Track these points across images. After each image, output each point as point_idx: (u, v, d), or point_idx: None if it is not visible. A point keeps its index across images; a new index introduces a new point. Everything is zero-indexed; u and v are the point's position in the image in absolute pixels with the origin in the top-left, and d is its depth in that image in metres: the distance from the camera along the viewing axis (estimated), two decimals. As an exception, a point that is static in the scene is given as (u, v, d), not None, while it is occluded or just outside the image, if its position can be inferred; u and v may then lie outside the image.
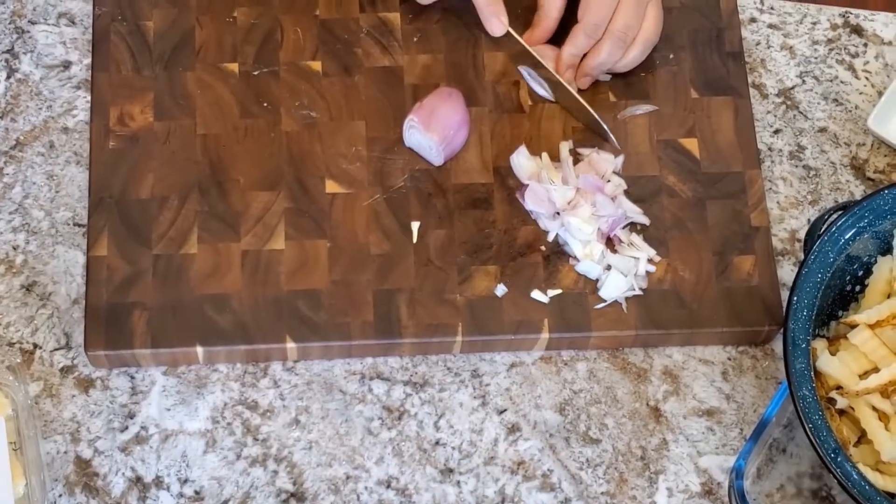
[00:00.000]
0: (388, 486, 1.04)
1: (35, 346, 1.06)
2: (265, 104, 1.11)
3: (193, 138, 1.10)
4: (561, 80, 1.11)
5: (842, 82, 1.19)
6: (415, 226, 1.08)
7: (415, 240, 1.08)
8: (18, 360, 1.04)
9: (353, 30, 1.14)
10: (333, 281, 1.06)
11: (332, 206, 1.08)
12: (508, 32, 1.11)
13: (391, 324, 1.05)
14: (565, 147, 1.11)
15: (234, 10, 1.14)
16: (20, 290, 1.07)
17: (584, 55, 1.12)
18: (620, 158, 1.11)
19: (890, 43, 1.20)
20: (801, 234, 1.13)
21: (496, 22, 1.10)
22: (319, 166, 1.09)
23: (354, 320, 1.05)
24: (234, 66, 1.12)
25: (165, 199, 1.08)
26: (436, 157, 1.09)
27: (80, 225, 1.09)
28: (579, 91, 1.12)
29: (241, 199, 1.08)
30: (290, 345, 1.04)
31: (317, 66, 1.12)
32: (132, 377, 1.05)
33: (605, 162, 1.10)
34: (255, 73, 1.12)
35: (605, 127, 1.11)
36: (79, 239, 1.09)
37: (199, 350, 1.04)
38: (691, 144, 1.13)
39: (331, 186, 1.09)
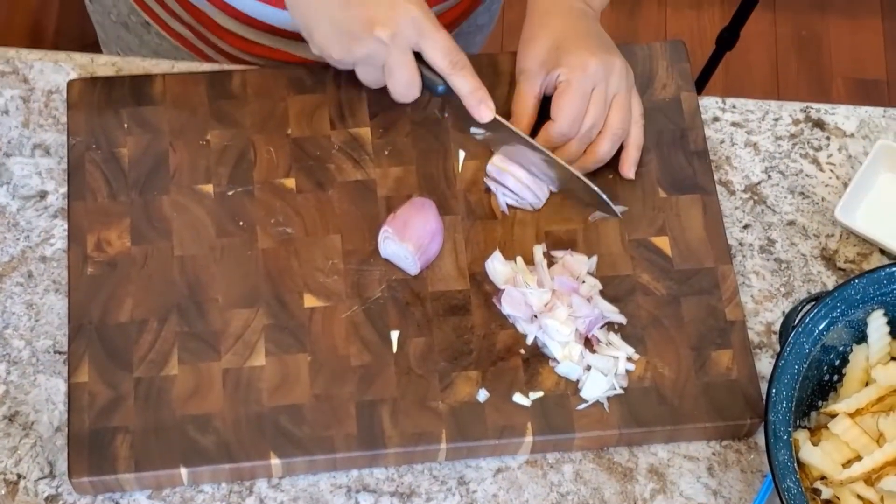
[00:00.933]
0: None
1: (19, 476, 1.05)
2: (241, 223, 1.12)
3: (171, 260, 1.10)
4: (550, 153, 1.11)
5: (807, 175, 1.20)
6: (394, 335, 1.08)
7: (395, 349, 1.08)
8: (3, 492, 1.03)
9: (324, 146, 1.15)
10: (315, 395, 1.05)
11: (311, 320, 1.08)
12: (496, 119, 1.11)
13: (375, 435, 1.05)
14: (539, 250, 1.12)
15: (206, 133, 1.15)
16: (2, 420, 1.06)
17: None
18: (594, 260, 1.12)
19: (852, 135, 1.22)
20: (777, 327, 1.13)
21: (484, 108, 1.10)
22: (297, 281, 1.10)
23: (338, 433, 1.04)
24: (209, 188, 1.13)
25: (145, 322, 1.07)
26: (412, 267, 1.10)
27: (60, 352, 1.09)
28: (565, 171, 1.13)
29: (221, 317, 1.08)
30: (275, 461, 1.03)
31: (290, 183, 1.13)
32: (117, 503, 1.04)
33: (579, 263, 1.11)
34: (230, 192, 1.13)
35: (604, 196, 1.11)
36: (59, 366, 1.08)
37: (183, 471, 1.03)
38: (662, 243, 1.13)
39: (309, 301, 1.09)
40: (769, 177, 1.20)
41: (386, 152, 1.15)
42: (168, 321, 1.08)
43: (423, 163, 1.15)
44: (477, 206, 1.14)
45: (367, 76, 1.11)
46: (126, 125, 1.15)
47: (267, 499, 1.05)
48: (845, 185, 1.19)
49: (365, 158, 1.15)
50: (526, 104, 1.14)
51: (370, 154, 1.15)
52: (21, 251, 1.13)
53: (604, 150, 1.13)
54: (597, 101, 1.11)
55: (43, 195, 1.15)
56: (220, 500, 1.04)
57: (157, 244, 1.11)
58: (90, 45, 1.41)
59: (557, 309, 1.08)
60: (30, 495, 1.04)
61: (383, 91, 1.13)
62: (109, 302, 1.08)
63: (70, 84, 1.17)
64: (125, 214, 1.12)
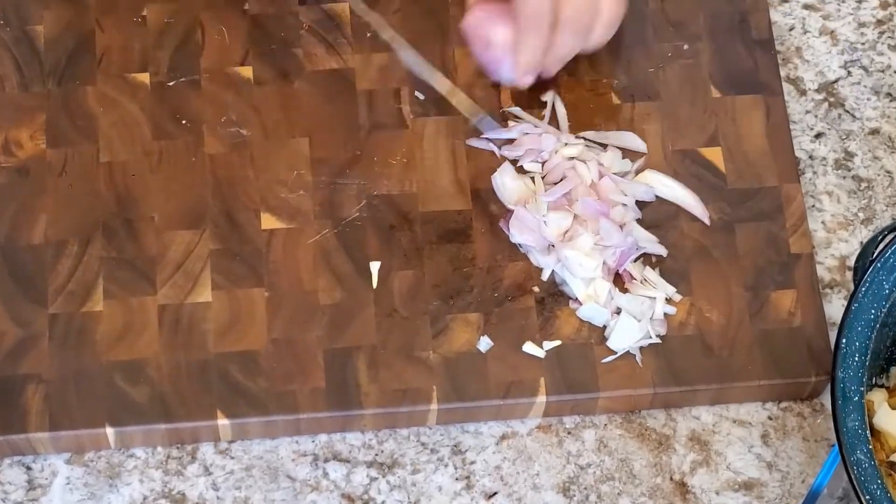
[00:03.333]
0: None
1: None
2: (184, 122, 1.06)
3: (96, 168, 1.05)
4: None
5: (896, 72, 1.15)
6: (374, 267, 1.02)
7: (375, 284, 1.02)
8: None
9: (291, 26, 1.09)
10: (274, 339, 1.00)
11: (270, 245, 1.03)
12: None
13: (348, 391, 0.99)
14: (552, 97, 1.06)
15: (142, 9, 1.09)
16: None
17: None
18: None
19: (953, 22, 1.18)
20: (852, 261, 1.02)
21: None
22: (253, 196, 1.04)
23: (302, 388, 0.99)
24: (145, 77, 1.07)
25: (63, 245, 1.02)
26: (506, 71, 1.02)
27: (-41, 280, 1.05)
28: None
29: (157, 240, 1.03)
30: (223, 421, 0.98)
31: (247, 72, 1.08)
32: (28, 468, 0.98)
33: (611, 181, 1.08)
34: (171, 83, 1.07)
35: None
36: (-42, 298, 1.04)
37: (110, 431, 0.98)
38: (714, 155, 1.07)
39: (267, 221, 1.03)
40: (849, 73, 1.13)
41: (368, 34, 1.09)
42: (92, 244, 1.02)
43: (415, 48, 1.08)
44: (483, 103, 1.07)
45: None
46: (42, -5, 1.11)
47: (213, 467, 0.99)
48: (942, 84, 1.14)
49: (341, 42, 1.08)
50: None
51: (348, 37, 1.09)
52: (-87, 153, 1.08)
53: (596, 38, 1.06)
54: None
55: (-59, 84, 1.10)
56: (156, 468, 0.98)
57: (78, 147, 1.05)
58: None
59: (580, 237, 1.01)
60: (-79, 458, 1.00)
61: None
62: (18, 218, 1.03)
63: (-25, -57, 1.12)
64: (40, 109, 1.06)
